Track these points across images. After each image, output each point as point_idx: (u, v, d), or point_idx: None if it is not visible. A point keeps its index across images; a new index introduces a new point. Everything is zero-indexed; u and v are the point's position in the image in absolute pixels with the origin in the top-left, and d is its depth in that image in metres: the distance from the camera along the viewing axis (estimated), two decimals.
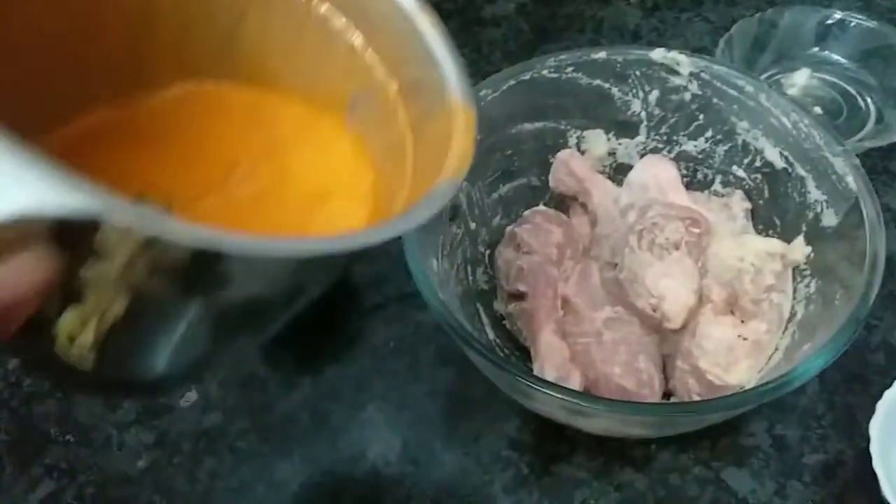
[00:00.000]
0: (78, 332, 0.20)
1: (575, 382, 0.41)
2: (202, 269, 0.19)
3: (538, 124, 0.50)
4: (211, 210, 0.28)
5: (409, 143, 0.30)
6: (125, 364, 0.23)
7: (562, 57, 0.47)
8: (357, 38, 0.31)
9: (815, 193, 0.43)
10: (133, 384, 0.26)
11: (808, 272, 0.43)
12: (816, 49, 0.62)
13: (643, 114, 0.50)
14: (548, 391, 0.35)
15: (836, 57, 0.61)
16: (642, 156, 0.51)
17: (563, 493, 0.43)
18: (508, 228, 0.48)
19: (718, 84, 0.46)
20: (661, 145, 0.51)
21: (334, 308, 0.51)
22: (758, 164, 0.47)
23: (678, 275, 0.41)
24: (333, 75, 0.31)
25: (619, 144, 0.51)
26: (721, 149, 0.49)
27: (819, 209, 0.43)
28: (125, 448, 0.48)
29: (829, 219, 0.42)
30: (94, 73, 0.30)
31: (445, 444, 0.46)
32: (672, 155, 0.50)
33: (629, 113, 0.50)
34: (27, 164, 0.16)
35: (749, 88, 0.45)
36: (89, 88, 0.30)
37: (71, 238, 0.18)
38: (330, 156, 0.32)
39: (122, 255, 0.18)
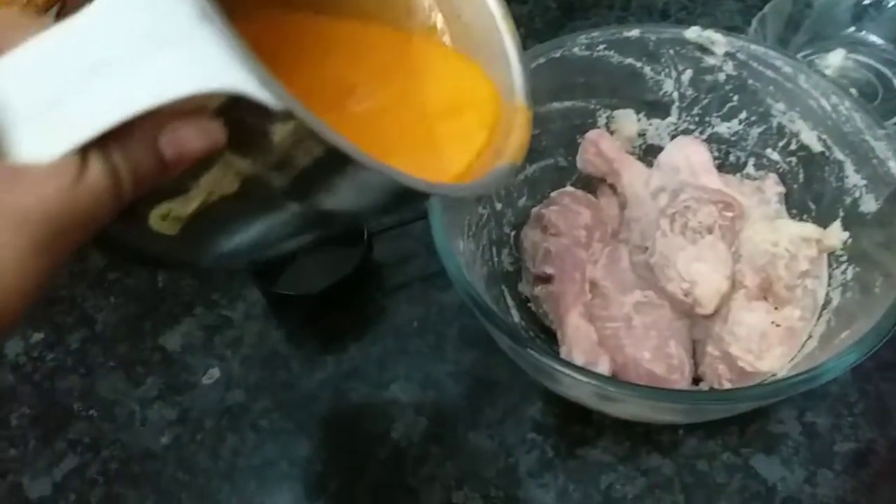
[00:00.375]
0: (181, 204, 0.22)
1: (603, 367, 0.40)
2: (322, 174, 0.21)
3: (567, 103, 0.49)
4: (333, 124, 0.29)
5: None
6: (202, 241, 0.25)
7: (594, 34, 0.46)
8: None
9: (853, 178, 0.42)
10: (193, 262, 0.28)
11: (844, 258, 0.42)
12: (852, 29, 0.60)
13: (675, 94, 0.49)
14: (576, 375, 0.34)
15: (872, 38, 0.60)
16: (673, 137, 0.50)
17: (589, 477, 0.43)
18: (535, 210, 0.48)
19: (755, 64, 0.45)
20: (692, 127, 0.49)
21: (358, 287, 0.51)
22: (793, 147, 0.46)
23: (711, 259, 0.41)
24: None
25: (650, 125, 0.50)
26: (755, 131, 0.48)
27: (858, 194, 0.42)
28: (148, 424, 0.48)
29: (869, 204, 0.41)
30: None
31: (469, 426, 0.45)
32: (704, 137, 0.49)
33: (661, 93, 0.49)
34: (234, 49, 0.18)
35: (787, 69, 0.44)
36: None
37: (238, 120, 0.20)
38: (448, 75, 0.32)
39: (272, 144, 0.20)
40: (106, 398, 0.49)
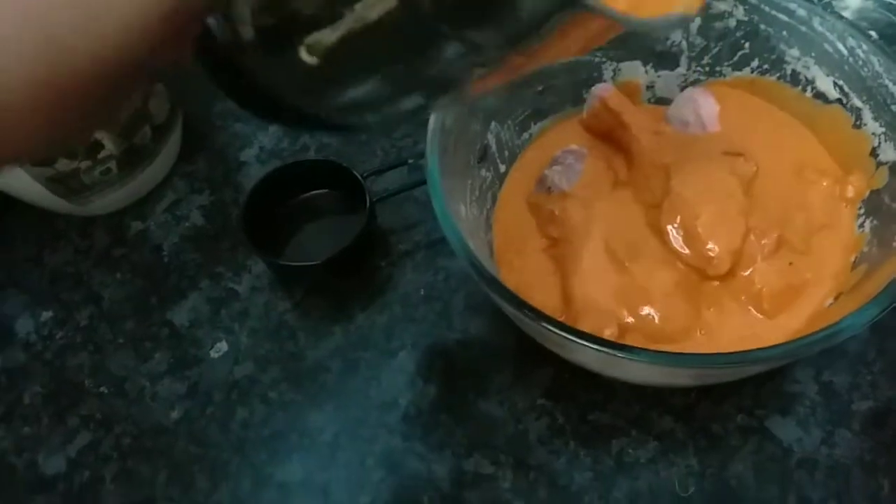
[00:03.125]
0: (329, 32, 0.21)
1: (611, 332, 0.39)
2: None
3: (571, 57, 0.47)
4: None
5: None
6: (339, 76, 0.24)
7: None
8: None
9: (872, 125, 0.40)
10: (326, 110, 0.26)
11: (863, 211, 0.40)
12: None
13: (683, 43, 0.46)
14: (582, 342, 0.33)
15: None
16: (683, 89, 0.48)
17: (600, 443, 0.42)
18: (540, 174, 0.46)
19: (767, 8, 0.43)
20: (703, 77, 0.47)
21: (363, 255, 0.50)
22: (809, 94, 0.44)
23: (725, 216, 0.39)
24: None
25: (658, 77, 0.48)
26: (768, 80, 0.45)
27: (877, 143, 0.40)
28: (158, 399, 0.48)
29: (888, 153, 0.39)
30: None
31: (478, 393, 0.45)
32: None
33: (668, 42, 0.47)
34: None
35: (801, 12, 0.42)
36: None
37: None
38: None
39: None
40: (116, 374, 0.49)
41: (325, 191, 0.53)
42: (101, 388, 0.49)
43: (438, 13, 0.20)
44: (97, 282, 0.53)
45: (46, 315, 0.52)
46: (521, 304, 0.35)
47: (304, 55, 0.22)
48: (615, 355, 0.34)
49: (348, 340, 0.48)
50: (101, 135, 0.50)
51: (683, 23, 0.23)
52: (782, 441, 0.41)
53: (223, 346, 0.49)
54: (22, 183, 0.50)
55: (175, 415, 0.47)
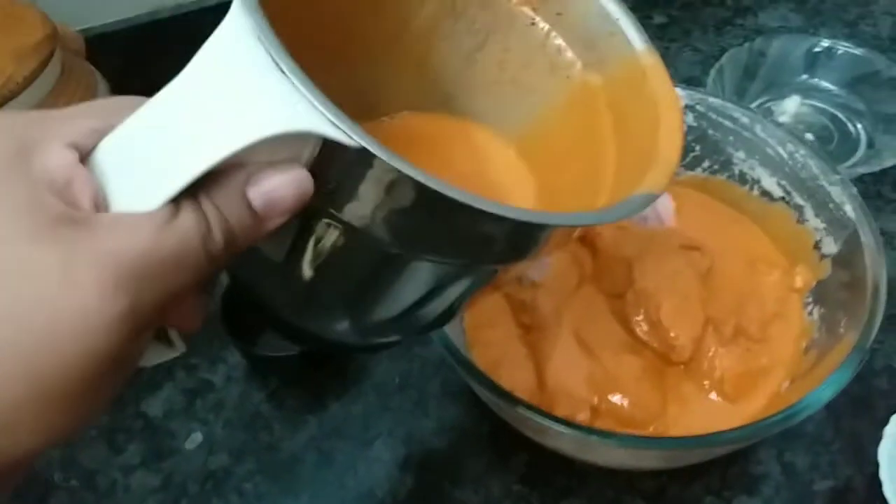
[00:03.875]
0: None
1: (584, 417, 0.41)
2: (419, 218, 0.22)
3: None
4: None
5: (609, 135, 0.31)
6: (337, 308, 0.27)
7: None
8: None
9: (813, 221, 0.44)
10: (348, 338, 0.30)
11: (811, 300, 0.43)
12: (806, 76, 0.63)
13: None
14: (558, 426, 0.35)
15: (825, 84, 0.62)
16: None
17: None
18: None
19: (714, 116, 0.47)
20: None
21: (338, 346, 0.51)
22: (756, 193, 0.48)
23: (685, 305, 0.42)
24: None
25: None
26: (719, 179, 0.49)
27: (819, 237, 0.43)
28: (130, 492, 0.47)
29: (829, 247, 0.42)
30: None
31: (455, 481, 0.46)
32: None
33: None
34: (304, 92, 0.19)
35: (744, 119, 0.46)
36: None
37: (328, 169, 0.21)
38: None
39: (363, 191, 0.21)
40: (87, 467, 0.48)
41: None
42: (72, 482, 0.48)
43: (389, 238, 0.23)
44: None
45: None
46: (498, 390, 0.36)
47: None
48: (588, 439, 0.35)
49: (323, 430, 0.49)
50: None
51: (650, 202, 0.27)
52: None
53: (198, 436, 0.49)
54: None
55: None
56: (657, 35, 0.72)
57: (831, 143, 0.59)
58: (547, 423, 0.35)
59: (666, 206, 0.48)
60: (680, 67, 0.70)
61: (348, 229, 0.23)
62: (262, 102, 0.20)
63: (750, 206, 0.48)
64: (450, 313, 0.29)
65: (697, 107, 0.47)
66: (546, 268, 0.47)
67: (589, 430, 0.36)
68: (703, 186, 0.50)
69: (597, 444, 0.36)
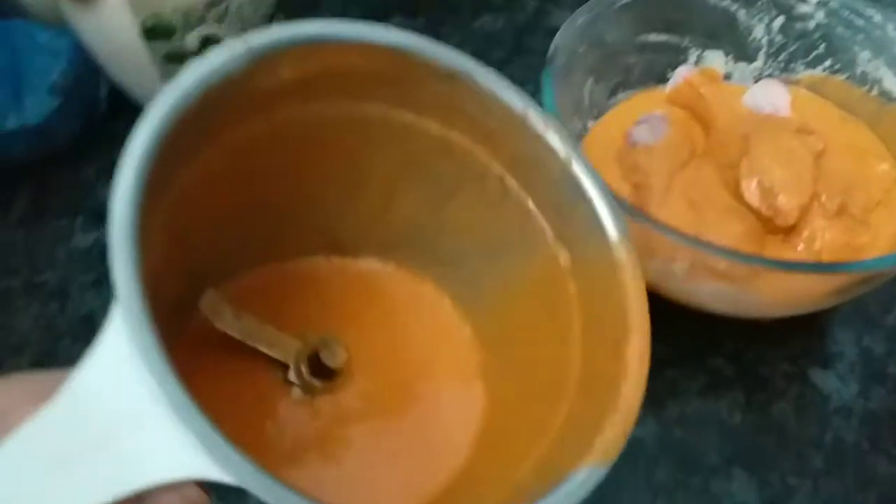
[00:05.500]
0: None
1: (681, 266, 0.43)
2: None
3: (662, 37, 0.52)
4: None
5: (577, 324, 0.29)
6: None
7: None
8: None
9: None
10: None
11: None
12: None
13: (764, 39, 0.52)
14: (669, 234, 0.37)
15: None
16: (756, 82, 0.53)
17: (654, 369, 0.45)
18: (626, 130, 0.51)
19: (846, 13, 0.49)
20: (776, 72, 0.53)
21: None
22: (874, 93, 0.49)
23: (796, 176, 0.44)
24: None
25: (736, 68, 0.53)
26: (837, 79, 0.51)
27: None
28: None
29: None
30: (279, 239, 0.33)
31: None
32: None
33: (750, 38, 0.52)
34: (202, 439, 0.19)
35: (877, 18, 0.47)
36: (263, 253, 0.33)
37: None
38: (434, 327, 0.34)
39: None
40: None
41: None
42: None
43: None
44: None
45: None
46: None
47: None
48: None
49: None
50: (213, 29, 0.54)
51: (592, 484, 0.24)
52: (822, 389, 0.45)
53: None
54: (146, 77, 0.54)
55: None
56: None
57: None
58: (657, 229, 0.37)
59: (782, 97, 0.50)
60: None
61: None
62: (146, 450, 0.19)
63: (865, 108, 0.50)
64: None
65: (831, 3, 0.49)
66: (661, 133, 0.49)
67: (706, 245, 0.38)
68: (818, 86, 0.52)
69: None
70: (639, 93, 0.54)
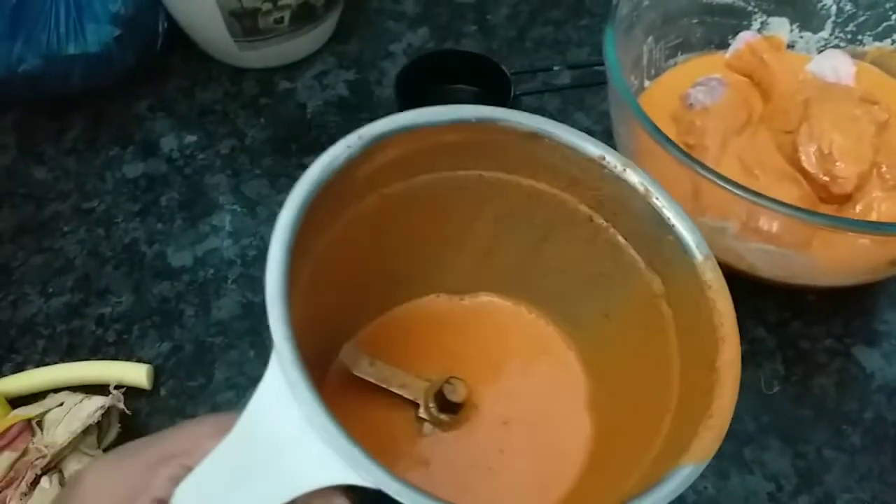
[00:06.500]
0: None
1: (733, 228, 0.42)
2: None
3: (726, 0, 0.51)
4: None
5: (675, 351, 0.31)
6: None
7: None
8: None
9: None
10: None
11: None
12: None
13: (833, 8, 0.50)
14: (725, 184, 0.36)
15: None
16: (820, 52, 0.52)
17: None
18: (683, 91, 0.50)
19: None
20: (842, 44, 0.51)
21: None
22: None
23: (856, 144, 0.42)
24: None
25: (801, 37, 0.52)
26: None
27: None
28: None
29: None
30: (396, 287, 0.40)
31: None
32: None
33: (819, 5, 0.51)
34: (338, 450, 0.23)
35: None
36: (384, 305, 0.40)
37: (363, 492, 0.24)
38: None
39: None
40: (250, 198, 0.53)
41: (469, 87, 0.57)
42: (234, 206, 0.53)
43: None
44: (242, 121, 0.58)
45: (191, 139, 0.57)
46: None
47: None
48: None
49: None
50: None
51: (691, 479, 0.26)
52: (865, 367, 0.44)
53: None
54: (206, 12, 0.54)
55: None
56: None
57: None
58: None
59: (847, 67, 0.49)
60: None
61: None
62: (302, 462, 0.23)
63: None
64: None
65: None
66: (718, 96, 0.48)
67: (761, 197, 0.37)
68: (885, 60, 0.50)
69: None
70: (698, 56, 0.53)
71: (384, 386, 0.36)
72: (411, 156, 0.32)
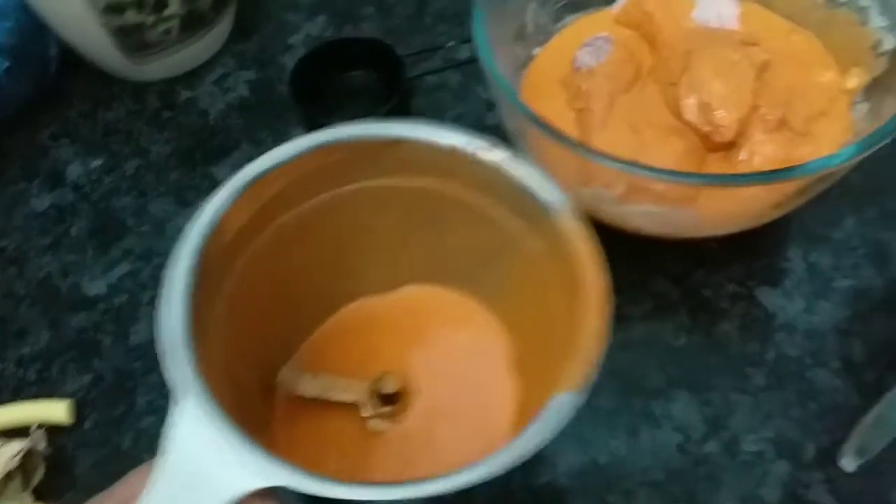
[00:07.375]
0: None
1: (620, 189, 0.43)
2: None
3: None
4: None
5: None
6: None
7: None
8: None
9: (876, 21, 0.44)
10: None
11: (859, 99, 0.44)
12: None
13: None
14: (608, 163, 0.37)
15: None
16: None
17: None
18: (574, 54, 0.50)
19: None
20: None
21: None
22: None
23: (735, 91, 0.43)
24: None
25: None
26: None
27: (879, 37, 0.43)
28: None
29: (889, 43, 0.42)
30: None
31: None
32: None
33: None
34: (260, 459, 0.26)
35: None
36: (315, 319, 0.42)
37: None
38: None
39: None
40: (157, 217, 0.53)
41: (366, 71, 0.57)
42: (143, 228, 0.53)
43: None
44: (146, 138, 0.57)
45: (96, 163, 0.56)
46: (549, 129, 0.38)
47: None
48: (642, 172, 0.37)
49: None
50: None
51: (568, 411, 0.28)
52: (767, 308, 0.45)
53: None
54: (91, 32, 0.54)
55: None
56: None
57: None
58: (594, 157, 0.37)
59: (730, 9, 0.49)
60: None
61: None
62: (222, 476, 0.26)
63: (812, 17, 0.48)
64: None
65: None
66: (604, 55, 0.48)
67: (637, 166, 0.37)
68: None
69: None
70: (587, 15, 0.52)
71: (328, 397, 0.39)
72: (293, 184, 0.35)
